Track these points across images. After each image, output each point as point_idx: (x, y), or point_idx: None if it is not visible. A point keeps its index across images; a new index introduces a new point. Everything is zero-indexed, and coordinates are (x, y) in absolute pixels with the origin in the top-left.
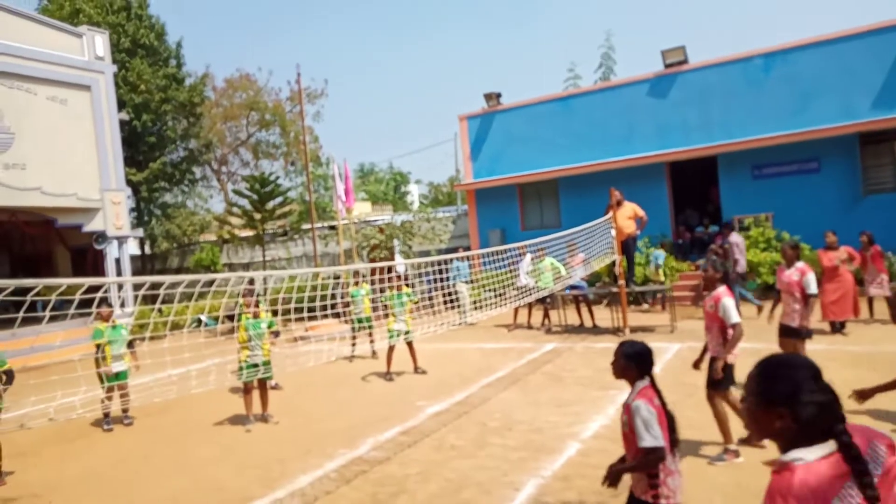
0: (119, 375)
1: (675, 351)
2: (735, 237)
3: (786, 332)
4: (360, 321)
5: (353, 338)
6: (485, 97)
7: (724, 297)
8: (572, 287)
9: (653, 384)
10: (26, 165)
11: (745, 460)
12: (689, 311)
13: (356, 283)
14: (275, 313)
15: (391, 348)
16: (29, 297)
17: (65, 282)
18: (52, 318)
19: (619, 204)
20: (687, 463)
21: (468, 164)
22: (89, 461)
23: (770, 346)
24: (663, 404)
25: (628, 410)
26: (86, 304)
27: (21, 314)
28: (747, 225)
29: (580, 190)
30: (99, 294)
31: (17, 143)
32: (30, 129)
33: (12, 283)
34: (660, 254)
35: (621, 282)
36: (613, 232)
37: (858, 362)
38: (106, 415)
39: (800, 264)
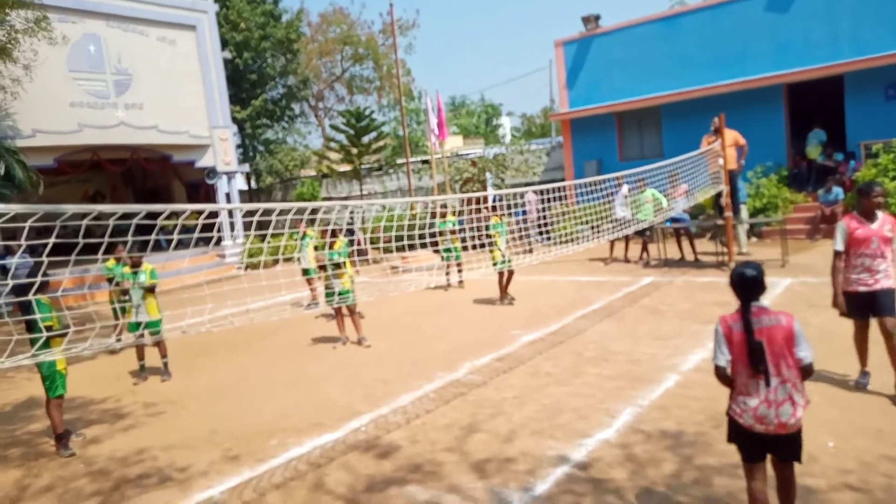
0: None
1: (787, 286)
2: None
3: (870, 303)
4: (447, 251)
5: (448, 266)
6: (583, 20)
7: None
8: (673, 220)
9: (743, 311)
10: (143, 105)
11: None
12: (802, 245)
13: (442, 216)
14: (373, 242)
15: (500, 274)
16: (158, 222)
17: (188, 207)
18: (178, 246)
19: (716, 132)
20: None
21: (564, 93)
22: (214, 375)
23: None
24: (747, 331)
25: None
26: (203, 233)
27: (153, 238)
28: (875, 151)
29: (685, 117)
30: (217, 222)
31: (134, 84)
32: (144, 71)
33: (144, 207)
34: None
35: (728, 213)
36: (721, 161)
37: None
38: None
39: (882, 214)
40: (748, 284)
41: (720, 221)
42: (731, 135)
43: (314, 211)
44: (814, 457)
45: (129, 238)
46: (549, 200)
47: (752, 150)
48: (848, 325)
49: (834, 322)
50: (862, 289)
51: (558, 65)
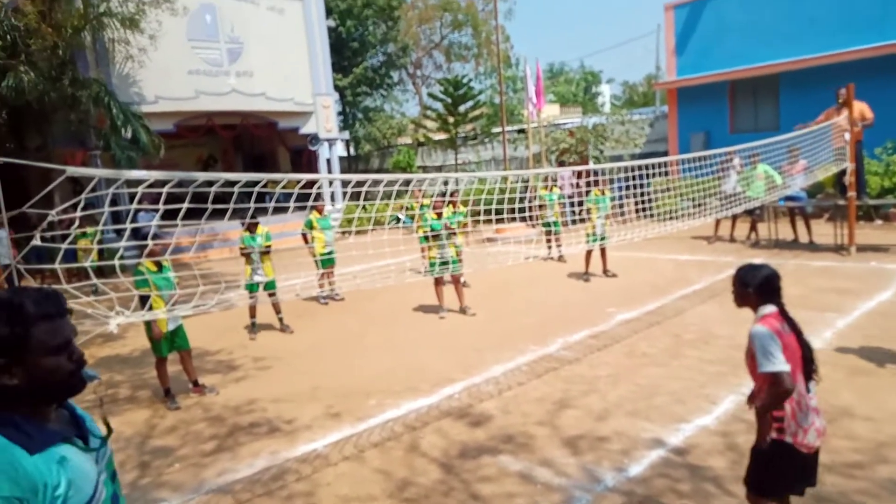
0: (328, 260)
1: None
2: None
3: None
4: (546, 225)
5: (548, 240)
6: None
7: None
8: (789, 198)
9: (781, 311)
10: (253, 73)
11: None
12: None
13: (549, 188)
14: (471, 214)
15: (589, 251)
16: (277, 190)
17: (286, 176)
18: (276, 211)
19: (843, 105)
20: None
21: (672, 60)
22: (315, 335)
23: None
24: (796, 332)
25: (749, 337)
26: (302, 199)
27: (252, 204)
28: None
29: (806, 87)
30: (314, 190)
31: (245, 53)
32: (254, 39)
33: (244, 176)
34: None
35: (851, 193)
36: (848, 136)
37: None
38: (321, 286)
39: None
40: (778, 282)
41: (841, 201)
42: (857, 107)
43: (406, 182)
44: None
45: (229, 204)
46: (650, 176)
47: (886, 123)
48: None
49: None
50: None
51: (667, 29)
